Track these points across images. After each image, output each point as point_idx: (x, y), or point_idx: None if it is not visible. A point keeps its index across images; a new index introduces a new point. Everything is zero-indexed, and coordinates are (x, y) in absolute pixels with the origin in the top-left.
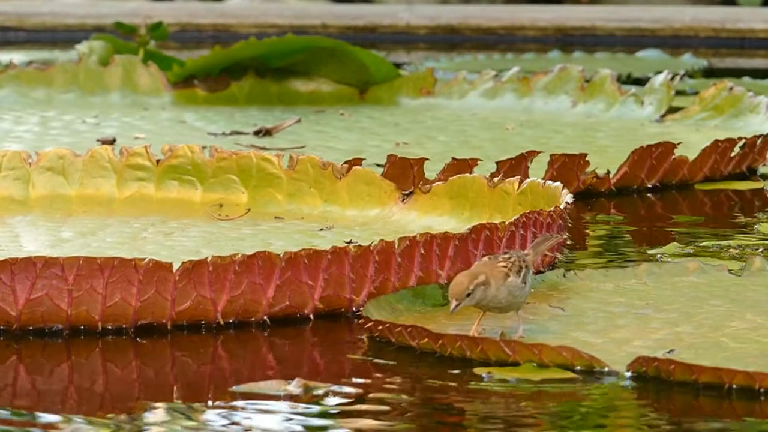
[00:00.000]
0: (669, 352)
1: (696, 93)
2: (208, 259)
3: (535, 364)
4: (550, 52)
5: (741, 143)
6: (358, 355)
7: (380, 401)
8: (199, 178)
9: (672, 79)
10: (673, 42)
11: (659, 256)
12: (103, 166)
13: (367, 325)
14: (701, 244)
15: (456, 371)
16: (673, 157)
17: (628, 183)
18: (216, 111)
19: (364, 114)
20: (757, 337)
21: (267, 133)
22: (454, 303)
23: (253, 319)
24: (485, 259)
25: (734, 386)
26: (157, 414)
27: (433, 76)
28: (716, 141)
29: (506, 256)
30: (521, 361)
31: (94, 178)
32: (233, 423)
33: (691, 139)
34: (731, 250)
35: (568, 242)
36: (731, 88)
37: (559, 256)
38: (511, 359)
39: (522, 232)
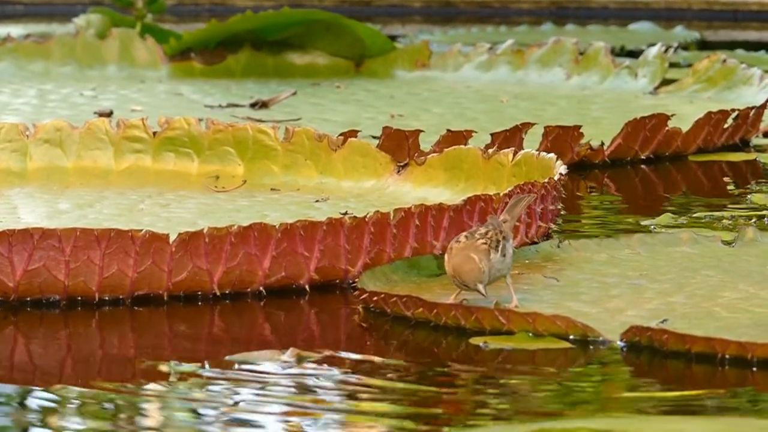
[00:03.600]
0: (662, 322)
1: (689, 65)
2: (205, 231)
3: (529, 334)
4: (542, 24)
5: (734, 115)
6: (353, 326)
7: (375, 371)
8: (195, 150)
9: (665, 51)
10: (666, 14)
11: (652, 226)
12: (100, 138)
13: (362, 296)
14: (694, 215)
15: (451, 340)
16: (667, 128)
17: (621, 154)
18: (212, 84)
19: (360, 86)
20: (749, 307)
21: (263, 105)
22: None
23: (249, 289)
24: (462, 238)
25: (727, 356)
26: (153, 383)
27: (428, 48)
28: (709, 113)
29: (483, 230)
30: (516, 330)
31: (91, 151)
32: (228, 392)
33: (685, 110)
34: (724, 220)
35: (562, 213)
36: (724, 61)
37: (553, 226)
38: (505, 328)
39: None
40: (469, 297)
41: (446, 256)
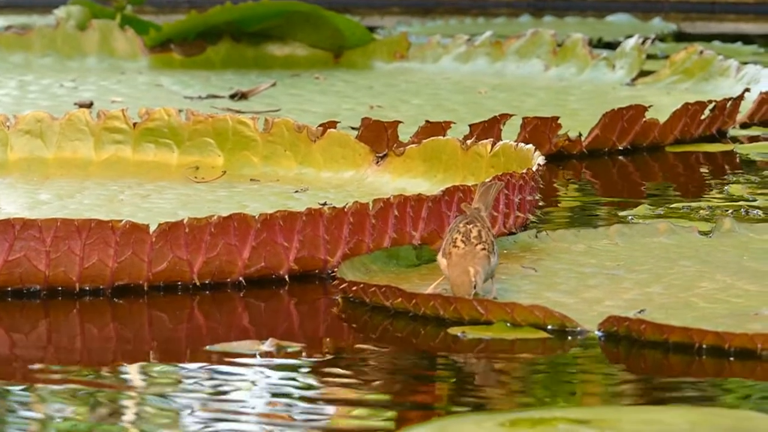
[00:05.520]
0: (640, 312)
1: (667, 57)
2: (185, 221)
3: (508, 324)
4: (520, 16)
5: (711, 106)
6: (332, 316)
7: (354, 361)
8: (175, 141)
9: (643, 43)
10: (644, 6)
11: (630, 217)
12: (80, 129)
13: (341, 286)
14: (671, 206)
15: (429, 330)
16: (644, 119)
17: (599, 145)
18: (192, 75)
19: (339, 78)
20: (726, 297)
21: (243, 96)
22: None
23: (228, 280)
24: (460, 243)
25: (704, 346)
26: (133, 373)
27: (406, 40)
28: (686, 104)
29: (475, 231)
30: (494, 320)
31: (71, 141)
32: (208, 381)
33: (662, 102)
34: (701, 211)
35: (540, 203)
36: (701, 52)
37: (531, 217)
38: (484, 318)
39: (498, 180)
40: (448, 288)
41: (443, 259)
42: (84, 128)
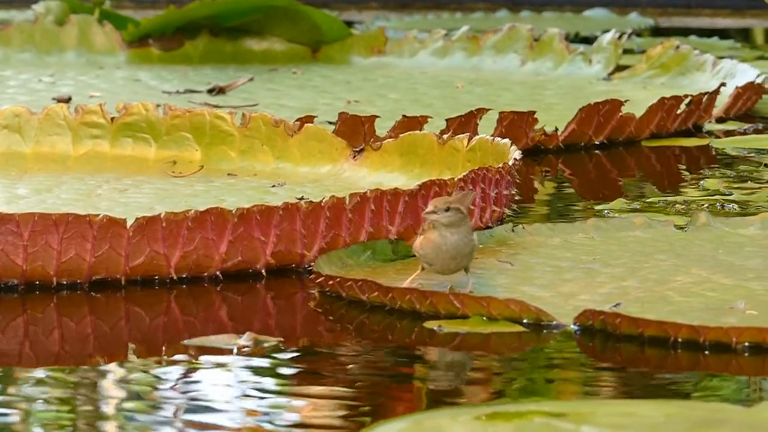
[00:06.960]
0: (615, 306)
1: (643, 51)
2: (162, 216)
3: (484, 318)
4: (497, 11)
5: (687, 101)
6: (309, 310)
7: (330, 355)
8: (153, 136)
9: (620, 37)
10: (621, 1)
11: (606, 211)
12: (58, 123)
13: (318, 280)
14: (647, 200)
15: (406, 324)
16: (620, 114)
17: (575, 140)
18: (170, 70)
19: (316, 72)
20: (701, 291)
21: (220, 91)
22: (430, 208)
23: (205, 274)
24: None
25: (679, 339)
26: (110, 367)
27: (384, 35)
28: (663, 98)
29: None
30: (470, 314)
31: (49, 136)
32: (185, 376)
33: (638, 96)
34: (677, 205)
35: (516, 198)
36: (678, 47)
37: (507, 211)
38: (460, 312)
39: (471, 188)
40: (423, 282)
41: (419, 237)
42: (62, 123)
